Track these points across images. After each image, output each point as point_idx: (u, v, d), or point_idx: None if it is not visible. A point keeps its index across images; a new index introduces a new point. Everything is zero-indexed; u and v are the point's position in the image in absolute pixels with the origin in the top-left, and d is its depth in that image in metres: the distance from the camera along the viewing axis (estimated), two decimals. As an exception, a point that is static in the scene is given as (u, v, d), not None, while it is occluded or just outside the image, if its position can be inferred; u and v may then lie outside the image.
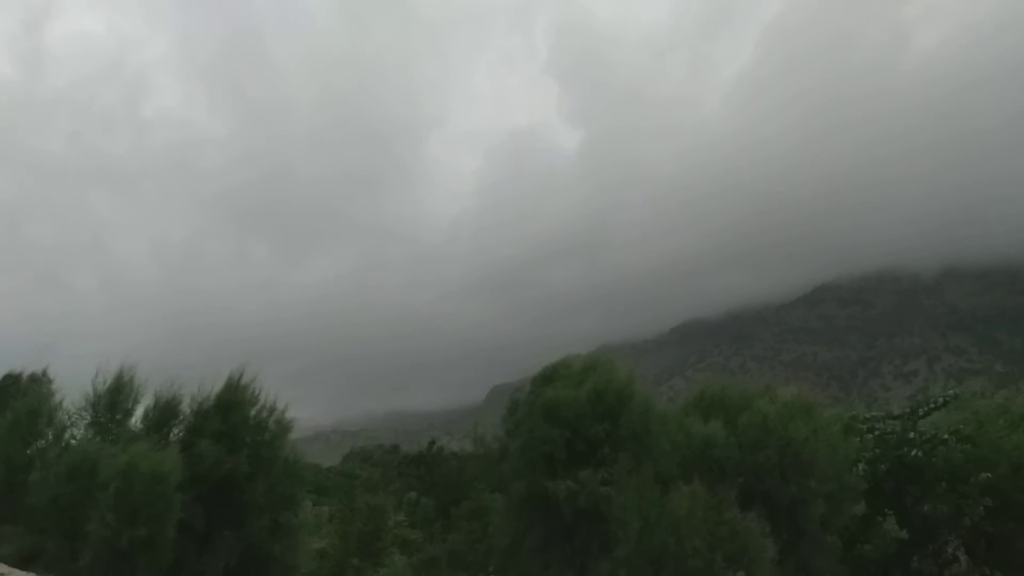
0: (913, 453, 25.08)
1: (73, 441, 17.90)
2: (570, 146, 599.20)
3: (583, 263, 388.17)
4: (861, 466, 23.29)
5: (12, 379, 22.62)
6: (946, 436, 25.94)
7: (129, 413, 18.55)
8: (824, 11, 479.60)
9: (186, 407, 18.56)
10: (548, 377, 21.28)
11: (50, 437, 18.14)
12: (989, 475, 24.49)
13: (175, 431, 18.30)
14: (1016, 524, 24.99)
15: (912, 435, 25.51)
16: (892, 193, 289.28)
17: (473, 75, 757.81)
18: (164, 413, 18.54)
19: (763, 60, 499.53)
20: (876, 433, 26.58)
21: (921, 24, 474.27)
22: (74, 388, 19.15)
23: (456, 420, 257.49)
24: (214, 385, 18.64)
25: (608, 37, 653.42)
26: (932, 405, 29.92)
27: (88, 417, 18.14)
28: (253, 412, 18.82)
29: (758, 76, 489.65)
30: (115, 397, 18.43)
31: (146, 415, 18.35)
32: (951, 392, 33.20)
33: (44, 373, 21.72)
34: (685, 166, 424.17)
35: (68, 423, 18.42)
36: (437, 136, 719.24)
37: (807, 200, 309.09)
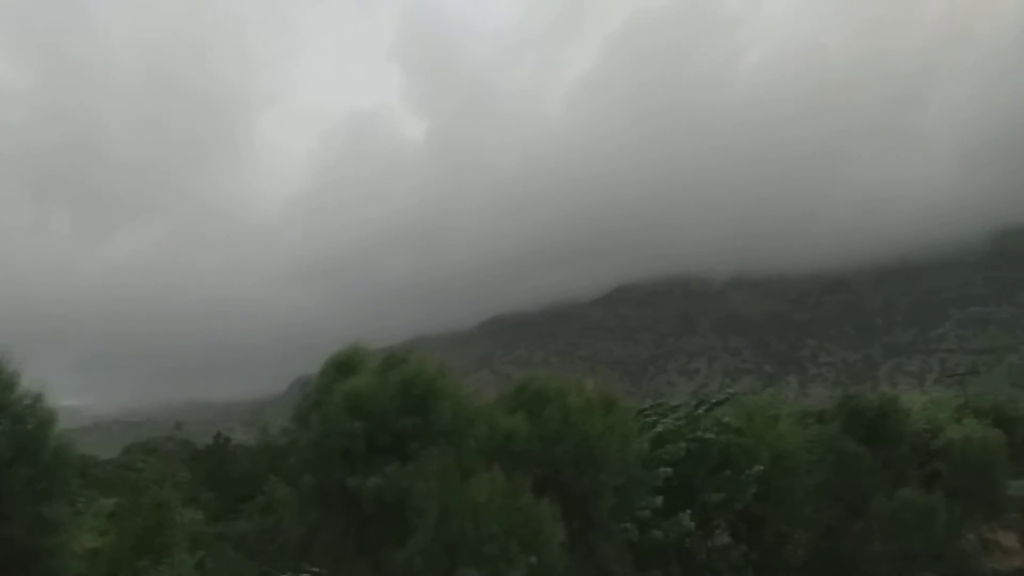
0: (705, 436, 27.58)
1: None
2: (412, 134, 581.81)
3: (414, 253, 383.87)
4: (662, 469, 25.19)
5: None
6: (727, 419, 28.79)
7: None
8: (666, 25, 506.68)
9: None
10: (342, 367, 20.75)
11: None
12: (762, 468, 27.43)
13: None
14: (774, 507, 28.16)
15: (701, 431, 28.05)
16: (695, 204, 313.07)
17: (312, 54, 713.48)
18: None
19: (606, 67, 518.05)
20: (666, 423, 28.87)
21: (752, 47, 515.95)
22: None
23: (256, 411, 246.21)
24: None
25: (456, 29, 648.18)
26: (714, 401, 33.11)
27: None
28: (13, 396, 17.07)
29: (600, 82, 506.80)
30: None
31: None
32: (729, 392, 36.96)
33: None
34: (523, 165, 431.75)
35: None
36: (270, 113, 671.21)
37: (623, 204, 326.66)
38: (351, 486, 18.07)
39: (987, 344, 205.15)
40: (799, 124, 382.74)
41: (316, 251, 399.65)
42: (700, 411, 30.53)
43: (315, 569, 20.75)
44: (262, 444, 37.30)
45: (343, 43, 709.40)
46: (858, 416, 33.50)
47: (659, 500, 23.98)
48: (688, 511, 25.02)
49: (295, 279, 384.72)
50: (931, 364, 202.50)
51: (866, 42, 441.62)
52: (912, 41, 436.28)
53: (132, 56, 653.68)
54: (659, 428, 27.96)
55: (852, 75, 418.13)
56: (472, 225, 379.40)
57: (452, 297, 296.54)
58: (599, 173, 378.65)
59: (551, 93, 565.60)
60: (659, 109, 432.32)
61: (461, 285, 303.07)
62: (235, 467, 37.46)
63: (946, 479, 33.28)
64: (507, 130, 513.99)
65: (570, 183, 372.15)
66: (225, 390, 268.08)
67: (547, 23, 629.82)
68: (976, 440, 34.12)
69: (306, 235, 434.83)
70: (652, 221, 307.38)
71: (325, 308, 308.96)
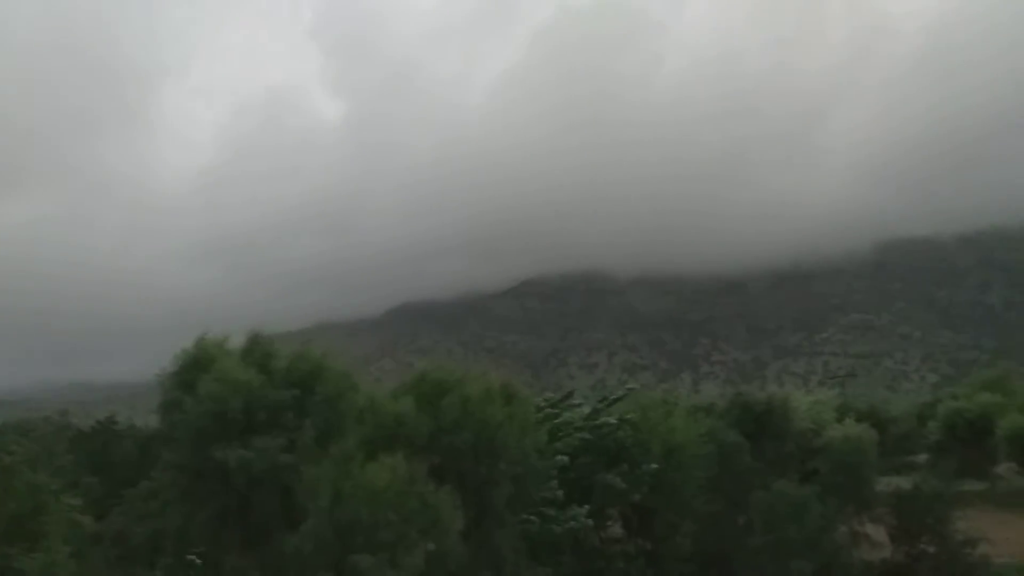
0: (610, 421, 28.37)
1: None
2: (328, 115, 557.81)
3: (323, 236, 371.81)
4: (559, 457, 25.65)
5: None
6: (629, 415, 29.64)
7: None
8: (591, 23, 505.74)
9: None
10: (201, 353, 20.36)
11: None
12: (656, 466, 28.30)
13: None
14: (665, 499, 29.13)
15: (600, 421, 28.86)
16: (604, 200, 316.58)
17: (227, 28, 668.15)
18: None
19: (528, 59, 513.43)
20: (565, 418, 29.49)
21: (672, 51, 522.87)
22: None
23: (142, 394, 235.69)
24: None
25: (378, 9, 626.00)
26: (614, 397, 34.14)
27: None
28: None
29: (521, 74, 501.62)
30: None
31: None
32: (628, 388, 38.16)
33: None
34: (438, 152, 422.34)
35: None
36: (178, 83, 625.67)
37: (535, 196, 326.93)
38: (220, 458, 17.66)
39: (866, 349, 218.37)
40: (708, 128, 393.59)
41: (219, 226, 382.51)
42: (601, 405, 31.46)
43: (195, 558, 20.07)
44: (137, 428, 35.86)
45: (259, 20, 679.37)
46: (747, 412, 35.12)
47: (560, 492, 24.46)
48: (586, 506, 25.64)
49: (195, 255, 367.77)
50: (815, 366, 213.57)
51: (777, 56, 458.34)
52: (818, 60, 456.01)
53: (26, 16, 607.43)
54: (558, 420, 28.54)
55: (761, 85, 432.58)
56: (383, 211, 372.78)
57: (359, 282, 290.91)
58: (514, 165, 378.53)
59: (471, 82, 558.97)
60: (576, 104, 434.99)
61: (369, 270, 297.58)
62: (119, 451, 35.76)
63: (823, 475, 35.28)
64: (424, 117, 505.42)
65: (485, 174, 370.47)
66: (112, 370, 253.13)
67: (471, 11, 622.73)
68: (851, 439, 36.31)
69: (209, 209, 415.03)
70: (562, 215, 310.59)
71: (225, 287, 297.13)
